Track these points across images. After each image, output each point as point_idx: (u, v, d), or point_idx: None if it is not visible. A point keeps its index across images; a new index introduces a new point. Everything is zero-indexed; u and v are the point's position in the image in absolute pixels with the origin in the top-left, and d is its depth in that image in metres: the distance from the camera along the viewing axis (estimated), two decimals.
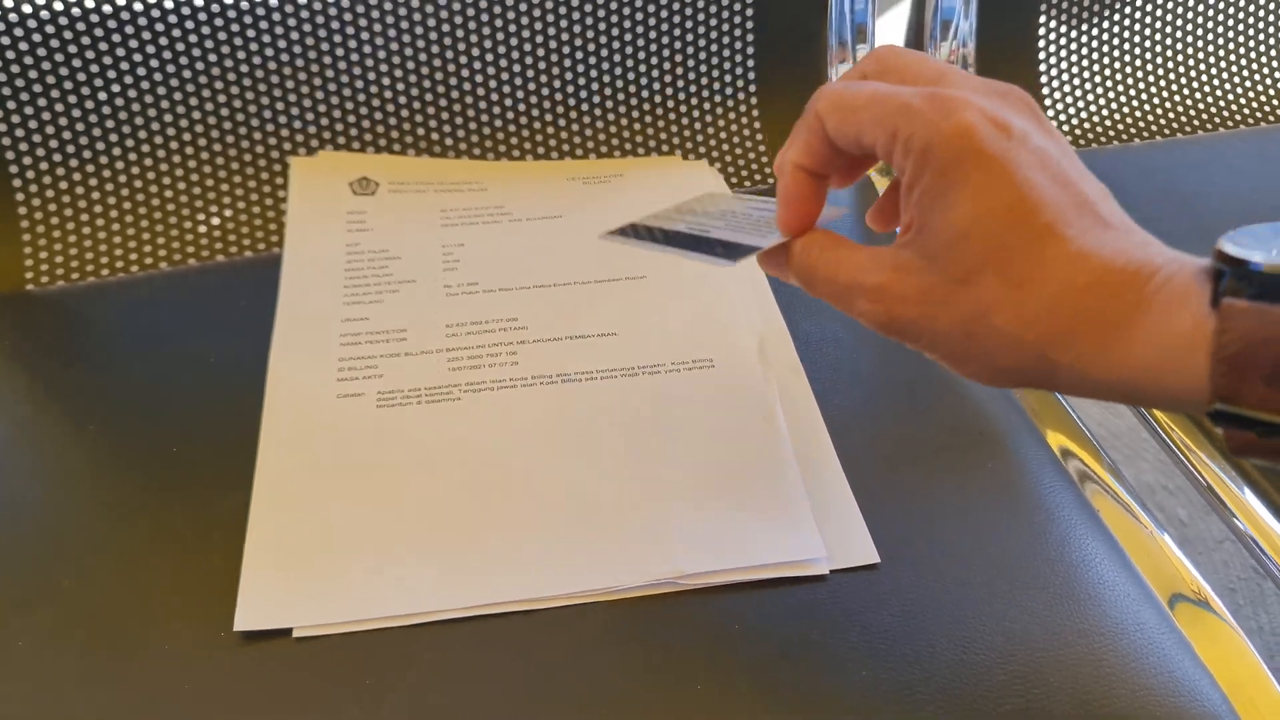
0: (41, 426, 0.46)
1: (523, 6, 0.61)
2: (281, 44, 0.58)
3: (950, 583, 0.39)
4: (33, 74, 0.55)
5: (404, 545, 0.40)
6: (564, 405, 0.46)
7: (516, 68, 0.62)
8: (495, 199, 0.59)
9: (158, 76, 0.57)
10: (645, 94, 0.64)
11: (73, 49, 0.55)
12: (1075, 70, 0.68)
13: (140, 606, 0.38)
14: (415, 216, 0.57)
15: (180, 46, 0.57)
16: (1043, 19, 0.67)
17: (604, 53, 0.63)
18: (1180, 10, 0.69)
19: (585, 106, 0.63)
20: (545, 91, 0.63)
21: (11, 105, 0.55)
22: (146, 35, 0.56)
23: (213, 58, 0.58)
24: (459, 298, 0.52)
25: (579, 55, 0.62)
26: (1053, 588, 0.39)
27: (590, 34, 0.62)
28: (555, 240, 0.56)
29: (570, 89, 0.63)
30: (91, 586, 0.39)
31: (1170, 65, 0.69)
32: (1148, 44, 0.69)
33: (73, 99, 0.56)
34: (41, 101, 0.56)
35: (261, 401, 0.46)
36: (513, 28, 0.61)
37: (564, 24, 0.62)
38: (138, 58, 0.57)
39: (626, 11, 0.62)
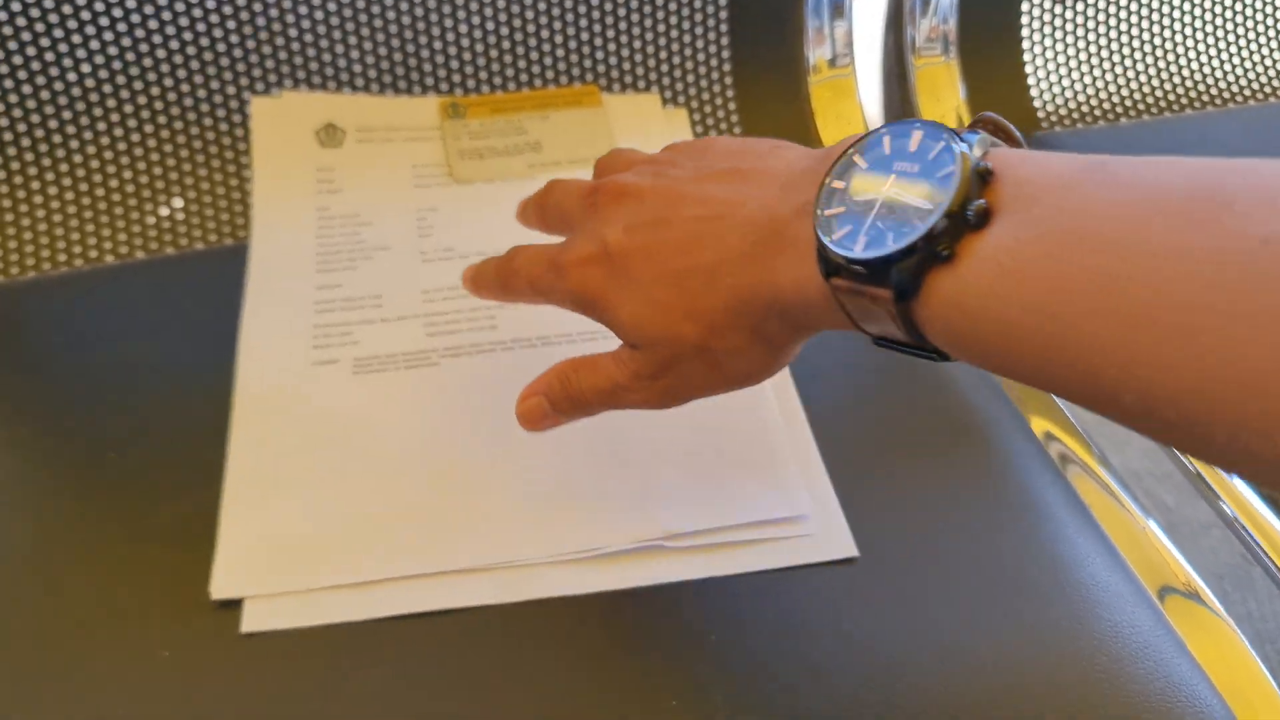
0: None
1: None
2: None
3: (932, 580, 0.38)
4: None
5: (384, 508, 0.40)
6: (543, 367, 0.44)
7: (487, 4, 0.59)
8: None
9: (98, 48, 0.54)
10: (615, 30, 0.61)
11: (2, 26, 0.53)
12: (1060, 48, 0.66)
13: (75, 628, 0.36)
14: (386, 175, 0.56)
15: (127, 7, 0.54)
16: None
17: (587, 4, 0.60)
18: None
19: (559, 38, 0.61)
20: (514, 20, 0.60)
21: None
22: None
23: (153, 23, 0.55)
24: (435, 264, 0.51)
25: None
26: (1040, 587, 0.38)
27: None
28: (529, 192, 0.54)
29: (536, 15, 0.60)
30: (19, 606, 0.36)
31: (1157, 43, 0.67)
32: (1134, 20, 0.67)
33: (9, 82, 0.53)
34: None
35: (209, 405, 0.44)
36: None
37: None
38: (73, 25, 0.54)
39: None
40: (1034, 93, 0.66)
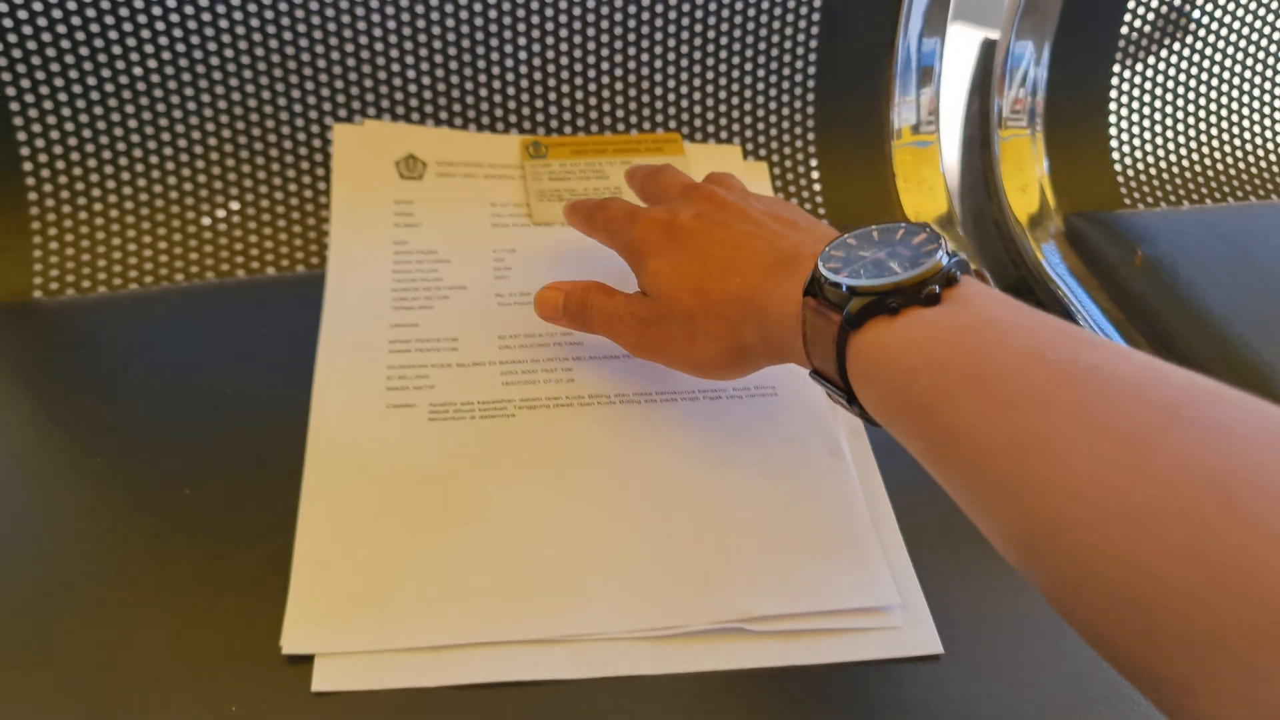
0: (43, 457, 0.43)
1: None
2: (315, 25, 0.55)
3: (1021, 685, 0.36)
4: (54, 67, 0.52)
5: (459, 567, 0.38)
6: (622, 427, 0.44)
7: (578, 38, 0.58)
8: None
9: (185, 75, 0.54)
10: (701, 80, 0.61)
11: (90, 41, 0.52)
12: (1148, 124, 0.65)
13: (143, 673, 0.34)
14: (464, 211, 0.55)
15: (210, 32, 0.54)
16: (1116, 68, 0.64)
17: (669, 27, 0.59)
18: (1264, 68, 0.66)
19: (645, 84, 0.60)
20: (602, 63, 0.60)
21: (30, 99, 0.52)
22: (174, 17, 0.53)
23: (243, 45, 0.54)
24: (511, 308, 0.50)
25: (640, 24, 0.59)
26: (1129, 694, 0.36)
27: (658, 23, 0.59)
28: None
29: (624, 60, 0.60)
30: (91, 647, 0.35)
31: (1251, 124, 0.66)
32: (1226, 101, 0.66)
33: (95, 95, 0.53)
34: (62, 96, 0.53)
35: (285, 443, 0.43)
36: (576, 10, 0.58)
37: (630, 9, 0.58)
38: (164, 47, 0.53)
39: (699, 12, 0.59)
40: (1118, 168, 0.65)
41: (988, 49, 0.64)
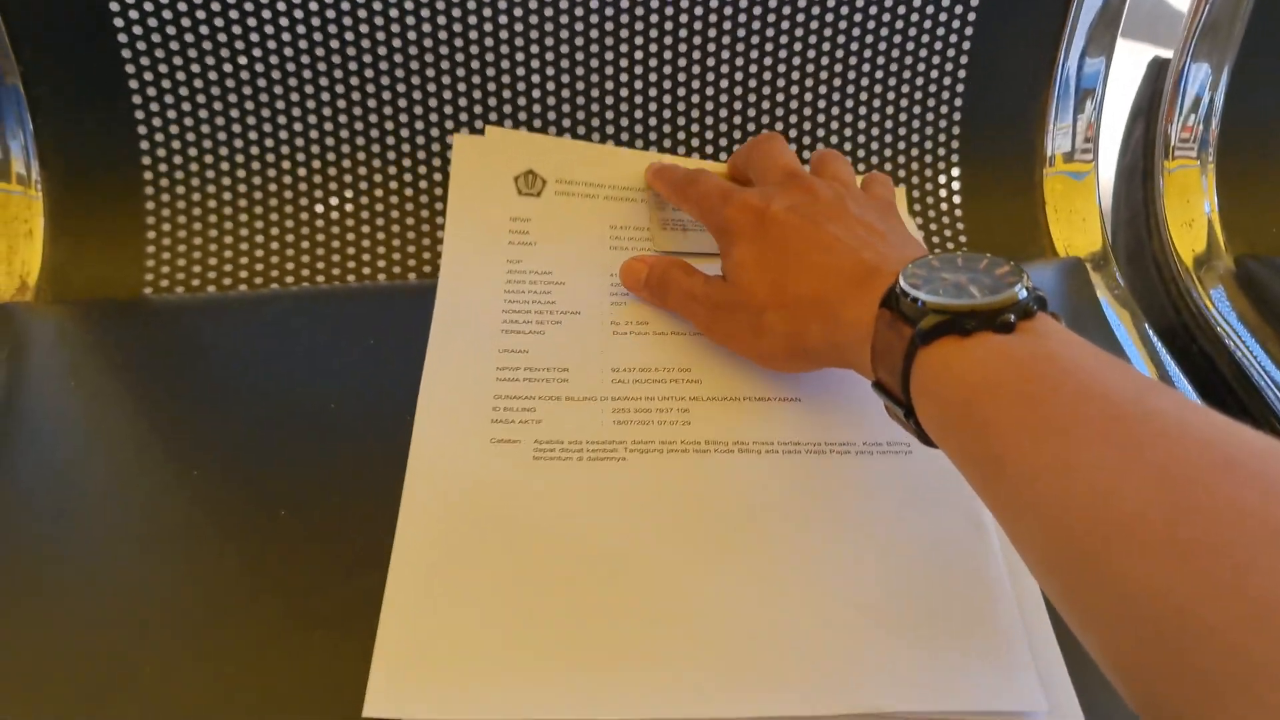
0: (140, 467, 0.41)
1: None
2: (441, 27, 0.53)
3: None
4: (177, 61, 0.51)
5: (560, 630, 0.35)
6: (740, 480, 0.41)
7: (713, 51, 0.55)
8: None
9: (307, 73, 0.52)
10: (840, 93, 0.57)
11: (214, 36, 0.51)
12: None
13: (222, 713, 0.32)
14: (582, 232, 0.52)
15: (333, 29, 0.52)
16: None
17: (809, 37, 0.56)
18: None
19: (779, 96, 0.56)
20: (735, 79, 0.56)
21: (152, 93, 0.51)
22: (299, 14, 0.51)
23: (367, 44, 0.52)
24: (626, 338, 0.46)
25: (777, 35, 0.56)
26: None
27: (798, 33, 0.55)
28: None
29: (758, 72, 0.56)
30: (174, 681, 0.33)
31: None
32: None
33: (215, 91, 0.52)
34: (184, 91, 0.51)
35: (387, 466, 0.40)
36: (712, 17, 0.54)
37: (769, 20, 0.55)
38: (287, 44, 0.52)
39: (844, 22, 0.55)
40: None
41: (1157, 69, 0.59)
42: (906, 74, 0.56)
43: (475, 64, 0.53)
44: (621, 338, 0.47)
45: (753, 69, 0.55)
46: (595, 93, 0.55)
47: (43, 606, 0.36)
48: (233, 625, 0.35)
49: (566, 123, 0.55)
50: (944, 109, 0.57)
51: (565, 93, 0.55)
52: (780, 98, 0.56)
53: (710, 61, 0.55)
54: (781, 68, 0.55)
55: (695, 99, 0.56)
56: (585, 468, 0.41)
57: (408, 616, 0.35)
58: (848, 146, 0.57)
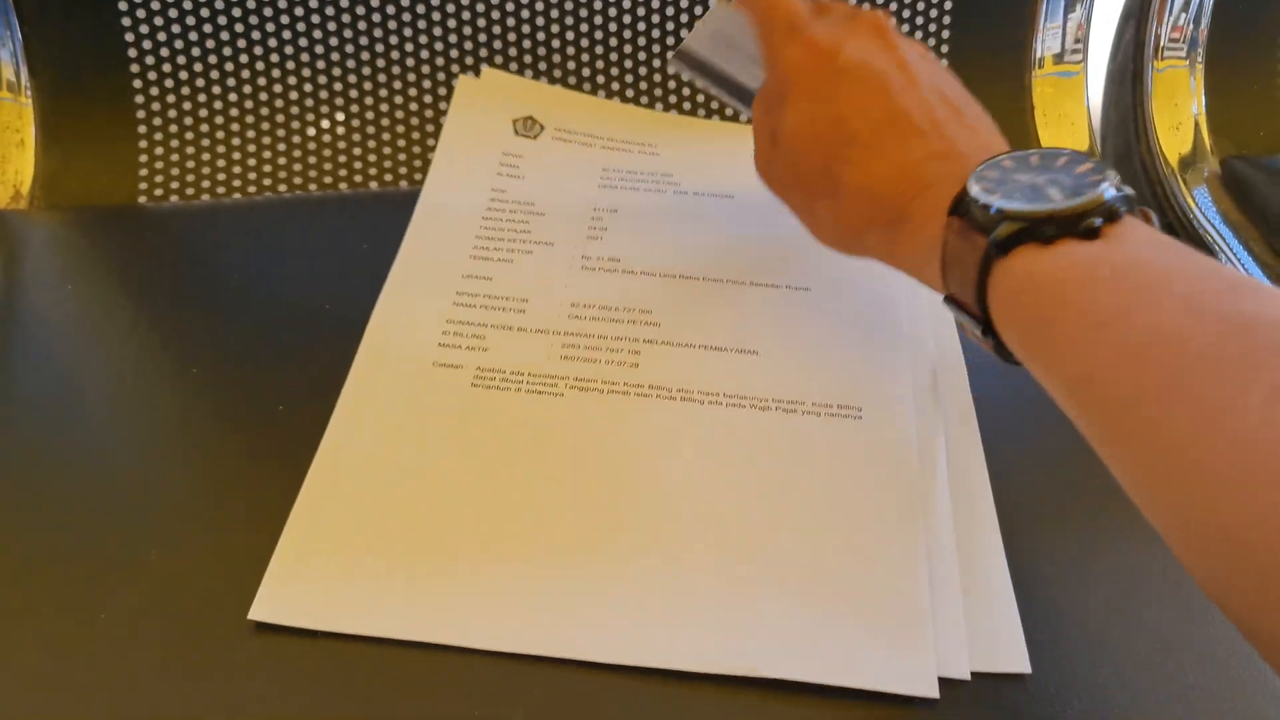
0: (143, 365, 0.42)
1: None
2: None
3: (1110, 706, 0.32)
4: None
5: (453, 563, 0.35)
6: (678, 429, 0.40)
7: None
8: (665, 165, 0.53)
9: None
10: None
11: None
12: None
13: (227, 590, 0.34)
14: (574, 171, 0.51)
15: None
16: None
17: None
18: None
19: None
20: None
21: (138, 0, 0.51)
22: None
23: None
24: (595, 273, 0.46)
25: None
26: None
27: None
28: (719, 224, 0.49)
29: None
30: (179, 558, 0.35)
31: None
32: None
33: (220, 19, 0.52)
34: None
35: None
36: None
37: None
38: None
39: None
40: None
41: None
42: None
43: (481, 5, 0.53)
44: (589, 273, 0.46)
45: None
46: (600, 49, 0.55)
47: (48, 498, 0.37)
48: (233, 510, 0.37)
49: (571, 80, 0.55)
50: (933, 10, 0.57)
51: (569, 44, 0.55)
52: None
53: None
54: None
55: None
56: (521, 399, 0.40)
57: (312, 527, 0.35)
58: None
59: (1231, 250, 0.54)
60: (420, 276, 0.45)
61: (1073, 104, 0.58)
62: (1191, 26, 0.58)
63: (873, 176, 0.36)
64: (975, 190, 0.32)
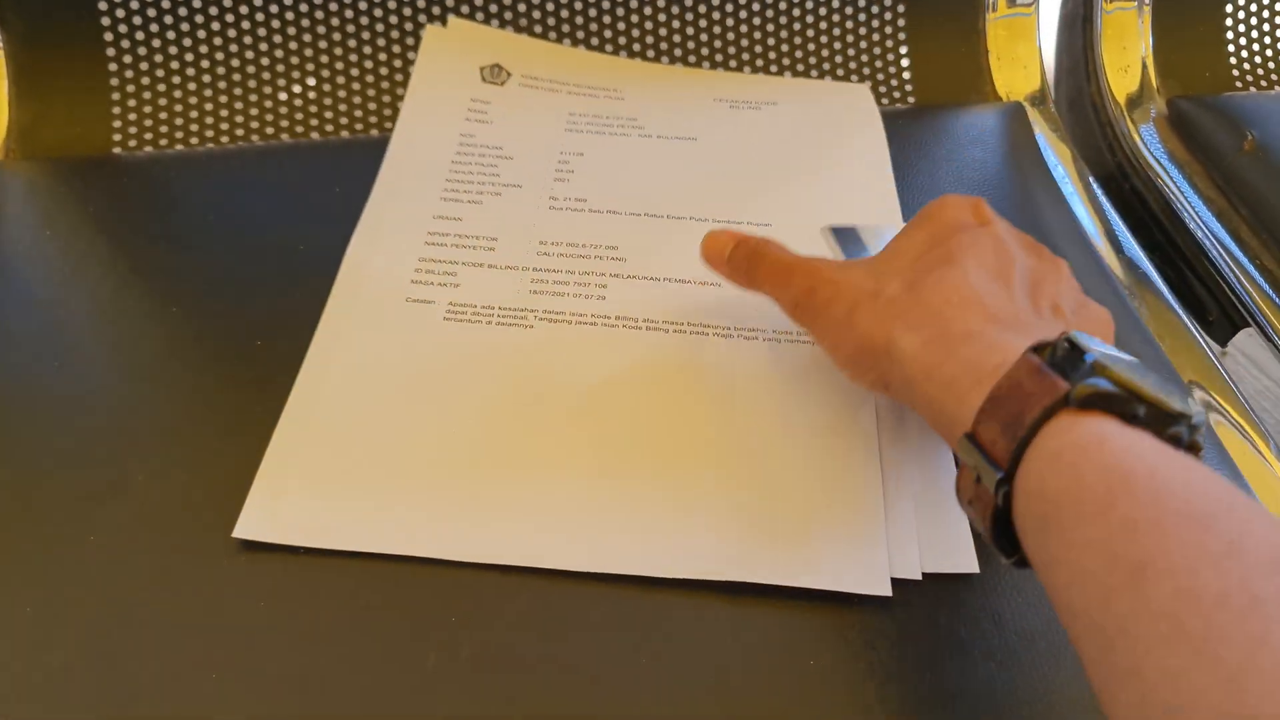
0: (124, 304, 0.43)
1: None
2: None
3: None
4: None
5: (429, 481, 0.36)
6: (640, 355, 0.42)
7: None
8: (630, 109, 0.54)
9: None
10: (760, 4, 0.58)
11: None
12: (1266, 2, 0.61)
13: (211, 507, 0.35)
14: (540, 116, 0.53)
15: None
16: None
17: None
18: None
19: (696, 13, 0.58)
20: None
21: None
22: None
23: None
24: (562, 213, 0.48)
25: None
26: None
27: None
28: (683, 165, 0.51)
29: None
30: (164, 481, 0.36)
31: None
32: None
33: None
34: None
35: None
36: None
37: None
38: None
39: None
40: (1231, 48, 0.61)
41: None
42: None
43: None
44: (557, 212, 0.48)
45: None
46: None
47: (35, 430, 0.38)
48: (215, 435, 0.38)
49: (538, 28, 0.56)
50: None
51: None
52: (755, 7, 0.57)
53: None
54: None
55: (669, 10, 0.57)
56: (492, 331, 0.42)
57: (292, 449, 0.37)
58: (804, 40, 0.58)
59: (1178, 188, 0.56)
60: (392, 217, 0.47)
61: (1026, 46, 0.60)
62: None
63: (950, 305, 0.33)
64: (1075, 335, 0.28)
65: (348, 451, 0.37)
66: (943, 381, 0.31)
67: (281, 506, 0.35)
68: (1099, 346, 0.28)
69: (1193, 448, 0.27)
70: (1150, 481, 0.24)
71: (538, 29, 0.57)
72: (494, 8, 0.56)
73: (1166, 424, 0.26)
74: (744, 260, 0.39)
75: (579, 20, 0.57)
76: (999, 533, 0.28)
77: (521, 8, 0.56)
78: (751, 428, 0.39)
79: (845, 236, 0.43)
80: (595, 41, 0.57)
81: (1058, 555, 0.25)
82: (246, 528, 0.35)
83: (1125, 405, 0.26)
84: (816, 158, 0.53)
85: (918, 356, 0.32)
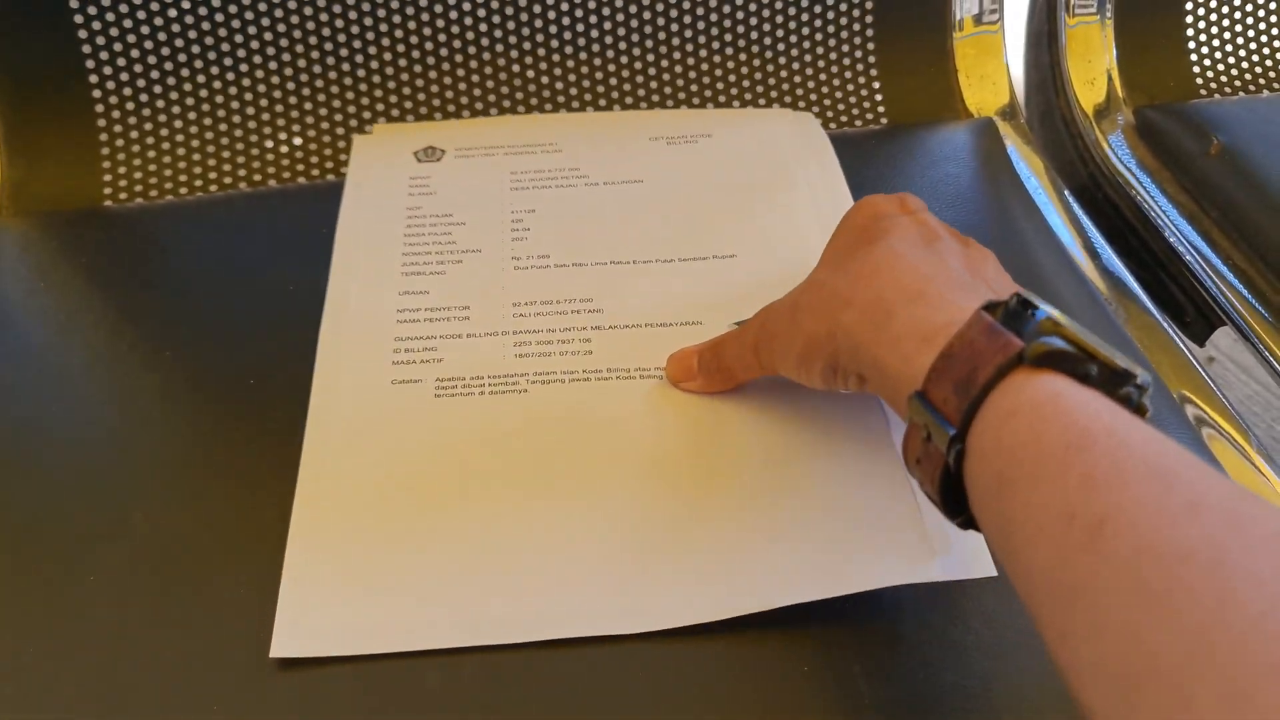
0: (118, 350, 0.44)
1: None
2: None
3: None
4: None
5: (459, 567, 0.36)
6: (644, 404, 0.41)
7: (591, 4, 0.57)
8: (570, 160, 0.54)
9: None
10: (732, 35, 0.60)
11: None
12: (1229, 9, 0.62)
13: (208, 549, 0.36)
14: (483, 179, 0.53)
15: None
16: None
17: None
18: None
19: (665, 50, 0.59)
20: (624, 32, 0.59)
21: (93, 11, 0.53)
22: None
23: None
24: (528, 272, 0.47)
25: None
26: None
27: None
28: (635, 209, 0.51)
29: (649, 29, 0.59)
30: (163, 524, 0.37)
31: None
32: None
33: (156, 7, 0.54)
34: (124, 8, 0.53)
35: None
36: None
37: None
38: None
39: None
40: (1194, 57, 0.62)
41: None
42: None
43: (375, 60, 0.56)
44: (523, 272, 0.47)
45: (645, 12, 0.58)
46: (489, 70, 0.57)
47: (32, 472, 0.39)
48: (213, 475, 0.39)
49: (464, 100, 0.57)
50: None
51: (461, 82, 0.57)
52: (680, 42, 0.58)
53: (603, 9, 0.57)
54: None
55: (602, 56, 0.58)
56: (486, 401, 0.41)
57: (312, 558, 0.36)
58: (766, 27, 0.60)
59: (1148, 193, 0.57)
60: (358, 301, 0.46)
61: (994, 63, 0.61)
62: None
63: (885, 287, 0.33)
64: (1024, 294, 0.28)
65: (367, 552, 0.36)
66: (888, 342, 0.31)
67: (313, 620, 0.34)
68: (1048, 306, 0.28)
69: (1140, 410, 0.27)
70: (1109, 440, 0.24)
71: (465, 113, 0.58)
72: (422, 94, 0.57)
73: (1117, 384, 0.27)
74: (712, 358, 0.40)
75: (504, 90, 0.57)
76: (947, 493, 0.28)
77: (449, 95, 0.57)
78: (768, 456, 0.39)
79: None
80: (522, 109, 0.58)
81: (1014, 514, 0.25)
82: (282, 645, 0.33)
83: (1078, 364, 0.26)
84: (769, 184, 0.53)
85: (858, 323, 0.32)
